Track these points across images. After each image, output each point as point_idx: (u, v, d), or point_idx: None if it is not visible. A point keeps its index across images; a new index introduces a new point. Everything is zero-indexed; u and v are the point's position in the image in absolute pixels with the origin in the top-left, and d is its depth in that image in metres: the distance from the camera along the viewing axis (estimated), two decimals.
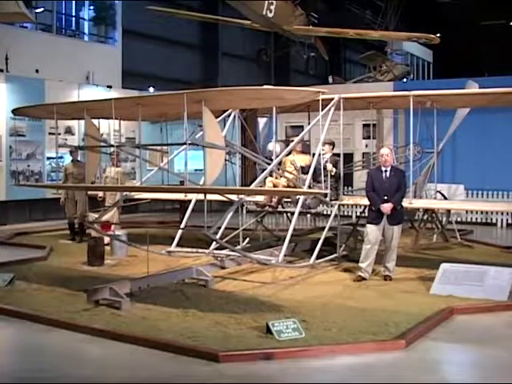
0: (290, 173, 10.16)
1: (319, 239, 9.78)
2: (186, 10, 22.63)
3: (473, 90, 11.62)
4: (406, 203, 9.41)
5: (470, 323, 6.98)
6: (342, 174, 10.39)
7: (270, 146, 10.48)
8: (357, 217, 13.36)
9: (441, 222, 12.54)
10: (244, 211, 11.48)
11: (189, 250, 9.64)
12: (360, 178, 15.18)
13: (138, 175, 18.22)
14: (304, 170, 10.16)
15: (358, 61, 30.14)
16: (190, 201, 10.44)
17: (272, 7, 18.17)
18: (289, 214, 11.95)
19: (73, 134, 16.82)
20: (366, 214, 9.44)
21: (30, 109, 10.01)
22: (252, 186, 9.15)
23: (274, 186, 10.19)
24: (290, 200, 10.42)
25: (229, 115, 10.30)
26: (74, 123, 16.55)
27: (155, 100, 8.93)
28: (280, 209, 10.73)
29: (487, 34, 34.08)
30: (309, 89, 8.83)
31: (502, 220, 16.20)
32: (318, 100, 9.40)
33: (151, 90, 20.61)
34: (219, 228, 9.36)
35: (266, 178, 9.66)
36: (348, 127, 15.84)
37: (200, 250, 9.42)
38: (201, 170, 7.77)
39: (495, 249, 12.18)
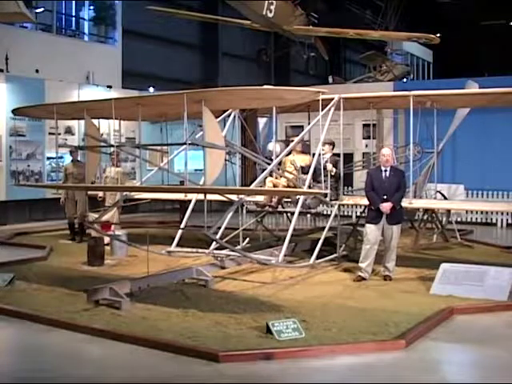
0: (290, 173, 10.16)
1: (319, 239, 9.78)
2: (186, 10, 22.63)
3: (473, 89, 11.63)
4: (405, 203, 9.41)
5: (470, 323, 6.98)
6: (341, 174, 10.39)
7: (270, 146, 10.48)
8: (357, 217, 13.36)
9: (441, 222, 12.54)
10: (244, 211, 11.48)
11: (189, 249, 9.64)
12: (360, 177, 15.18)
13: (137, 175, 18.23)
14: (304, 169, 10.16)
15: (358, 61, 30.14)
16: (189, 201, 10.44)
17: (272, 7, 18.17)
18: (289, 214, 11.96)
19: (73, 134, 16.82)
20: (366, 214, 9.45)
21: (29, 109, 10.01)
22: (252, 186, 9.15)
23: (274, 185, 10.19)
24: (290, 200, 10.42)
25: (229, 115, 10.31)
26: (74, 123, 16.55)
27: (155, 100, 8.93)
28: (280, 209, 10.73)
29: (487, 34, 34.08)
30: (309, 89, 8.83)
31: (501, 220, 16.19)
32: (318, 100, 9.40)
33: (151, 90, 20.62)
34: (219, 228, 9.36)
35: (266, 177, 9.66)
36: (348, 127, 15.83)
37: (200, 250, 9.42)
38: (201, 170, 7.77)
39: (495, 249, 12.17)
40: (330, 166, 10.07)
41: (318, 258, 9.60)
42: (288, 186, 10.01)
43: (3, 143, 15.45)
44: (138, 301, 7.63)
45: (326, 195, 9.95)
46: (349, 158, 14.23)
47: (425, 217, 12.34)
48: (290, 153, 10.17)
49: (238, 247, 9.90)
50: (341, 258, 10.29)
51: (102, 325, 6.67)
